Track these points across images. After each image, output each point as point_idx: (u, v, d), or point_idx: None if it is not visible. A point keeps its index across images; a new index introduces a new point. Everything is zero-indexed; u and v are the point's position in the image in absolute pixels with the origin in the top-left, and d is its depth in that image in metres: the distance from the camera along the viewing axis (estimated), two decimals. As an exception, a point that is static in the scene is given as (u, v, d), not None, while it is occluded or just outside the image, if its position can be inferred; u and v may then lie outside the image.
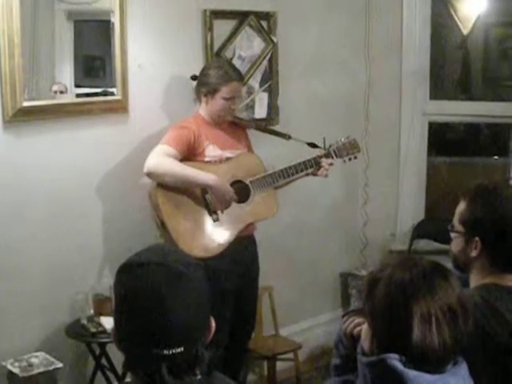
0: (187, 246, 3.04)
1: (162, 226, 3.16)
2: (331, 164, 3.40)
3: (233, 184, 3.25)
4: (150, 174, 3.08)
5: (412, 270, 1.53)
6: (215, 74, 3.20)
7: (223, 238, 3.21)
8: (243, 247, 3.33)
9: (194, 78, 3.33)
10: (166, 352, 1.32)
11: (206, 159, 3.21)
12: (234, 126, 3.41)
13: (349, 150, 3.48)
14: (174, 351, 1.32)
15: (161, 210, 3.12)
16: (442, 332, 1.46)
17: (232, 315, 3.30)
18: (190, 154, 3.18)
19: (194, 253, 2.92)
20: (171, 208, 3.13)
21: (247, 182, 3.29)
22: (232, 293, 3.28)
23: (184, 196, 3.16)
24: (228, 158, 3.28)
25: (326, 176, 3.42)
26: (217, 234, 3.20)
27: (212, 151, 3.23)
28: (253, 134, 3.53)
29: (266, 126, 3.78)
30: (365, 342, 1.58)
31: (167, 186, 3.11)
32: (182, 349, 1.33)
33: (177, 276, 1.37)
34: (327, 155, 3.41)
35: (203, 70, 3.30)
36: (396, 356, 1.47)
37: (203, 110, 3.28)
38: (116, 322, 1.40)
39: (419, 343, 1.46)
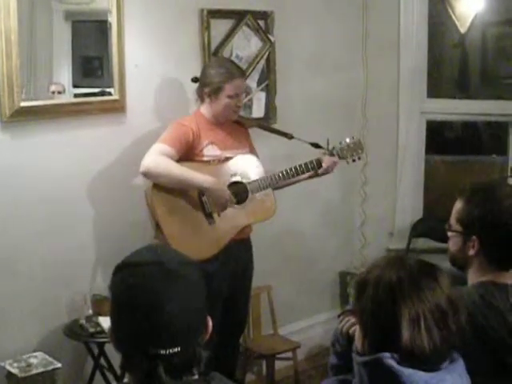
0: (180, 247, 2.99)
1: (157, 226, 3.14)
2: (335, 162, 3.37)
3: (231, 185, 3.22)
4: (145, 174, 3.05)
5: (399, 271, 1.52)
6: (217, 73, 3.16)
7: (218, 241, 3.18)
8: (238, 250, 3.29)
9: (194, 80, 3.29)
10: (163, 352, 1.32)
11: (205, 159, 3.18)
12: (236, 126, 3.36)
13: (353, 150, 3.44)
14: (171, 351, 1.32)
15: (155, 210, 3.10)
16: (431, 333, 1.46)
17: (222, 316, 3.24)
18: (188, 152, 3.14)
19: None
20: (166, 209, 3.10)
21: (245, 183, 3.26)
22: (223, 295, 3.24)
23: (180, 197, 3.13)
24: (227, 158, 3.24)
25: (330, 172, 3.37)
26: (212, 236, 3.17)
27: (211, 151, 3.20)
28: (253, 134, 3.52)
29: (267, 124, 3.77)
30: (357, 342, 1.58)
31: (163, 186, 3.08)
32: (179, 348, 1.33)
33: (173, 275, 1.37)
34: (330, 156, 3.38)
35: (204, 70, 3.26)
36: (389, 355, 1.47)
37: (206, 109, 3.23)
38: (113, 321, 1.40)
39: (409, 345, 1.46)
